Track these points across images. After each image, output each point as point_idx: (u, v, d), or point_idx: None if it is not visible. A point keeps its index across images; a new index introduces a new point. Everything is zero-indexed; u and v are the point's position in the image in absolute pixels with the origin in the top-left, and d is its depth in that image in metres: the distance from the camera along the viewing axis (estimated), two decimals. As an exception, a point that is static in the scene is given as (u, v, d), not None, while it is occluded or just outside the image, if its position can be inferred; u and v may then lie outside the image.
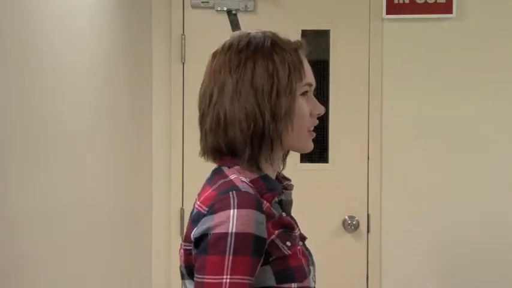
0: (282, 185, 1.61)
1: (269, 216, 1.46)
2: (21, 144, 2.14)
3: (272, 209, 1.49)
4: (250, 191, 1.44)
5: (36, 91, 2.25)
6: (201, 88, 1.56)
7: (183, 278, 1.54)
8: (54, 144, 2.39)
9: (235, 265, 1.37)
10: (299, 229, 1.59)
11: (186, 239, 1.49)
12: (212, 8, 3.55)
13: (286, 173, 1.68)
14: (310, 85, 1.57)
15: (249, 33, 1.57)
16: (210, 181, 1.52)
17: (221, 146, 1.52)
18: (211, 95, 1.52)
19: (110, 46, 2.98)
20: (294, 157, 3.52)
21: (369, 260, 3.56)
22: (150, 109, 3.56)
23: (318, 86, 4.01)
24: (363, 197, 3.55)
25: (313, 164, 3.57)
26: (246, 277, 1.38)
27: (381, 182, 3.53)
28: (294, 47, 1.55)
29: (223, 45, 1.56)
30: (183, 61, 3.56)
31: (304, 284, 1.48)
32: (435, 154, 3.51)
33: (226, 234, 1.38)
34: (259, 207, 1.42)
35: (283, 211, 1.57)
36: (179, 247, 1.53)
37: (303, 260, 1.50)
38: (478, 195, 3.49)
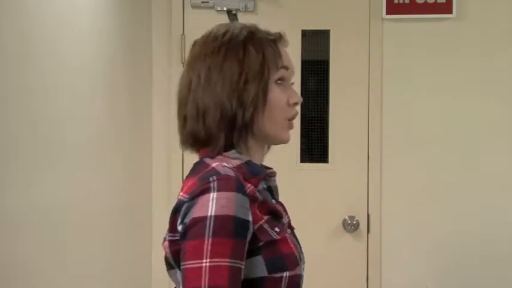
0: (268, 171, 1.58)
1: (253, 199, 1.44)
2: (22, 142, 2.14)
3: (257, 192, 1.47)
4: (231, 173, 1.42)
5: (37, 91, 2.26)
6: (181, 77, 1.57)
7: (171, 268, 1.53)
8: (54, 143, 2.39)
9: (215, 248, 1.33)
10: (288, 217, 1.58)
11: (171, 229, 1.47)
12: (212, 8, 3.55)
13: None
14: (286, 68, 1.55)
15: (229, 23, 1.58)
16: (192, 172, 1.50)
17: (200, 134, 1.51)
18: (190, 83, 1.53)
19: (109, 46, 2.98)
20: (293, 157, 3.53)
21: (369, 260, 3.56)
22: (150, 109, 3.56)
23: (318, 86, 4.00)
24: (363, 197, 3.55)
25: (313, 164, 3.57)
26: (226, 259, 1.33)
27: (381, 182, 3.53)
28: (272, 38, 1.55)
29: (203, 35, 1.57)
30: (183, 61, 3.56)
31: (296, 271, 1.46)
32: (435, 154, 3.51)
33: (205, 217, 1.36)
34: (240, 189, 1.40)
35: (273, 198, 1.56)
36: (163, 239, 1.52)
37: (293, 247, 1.48)
38: (478, 195, 3.49)
